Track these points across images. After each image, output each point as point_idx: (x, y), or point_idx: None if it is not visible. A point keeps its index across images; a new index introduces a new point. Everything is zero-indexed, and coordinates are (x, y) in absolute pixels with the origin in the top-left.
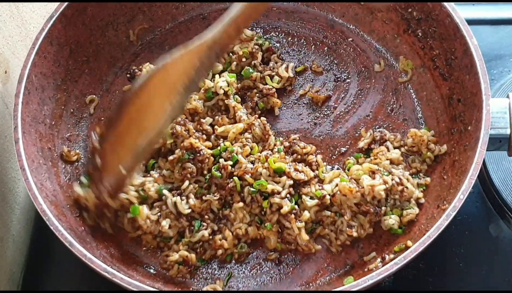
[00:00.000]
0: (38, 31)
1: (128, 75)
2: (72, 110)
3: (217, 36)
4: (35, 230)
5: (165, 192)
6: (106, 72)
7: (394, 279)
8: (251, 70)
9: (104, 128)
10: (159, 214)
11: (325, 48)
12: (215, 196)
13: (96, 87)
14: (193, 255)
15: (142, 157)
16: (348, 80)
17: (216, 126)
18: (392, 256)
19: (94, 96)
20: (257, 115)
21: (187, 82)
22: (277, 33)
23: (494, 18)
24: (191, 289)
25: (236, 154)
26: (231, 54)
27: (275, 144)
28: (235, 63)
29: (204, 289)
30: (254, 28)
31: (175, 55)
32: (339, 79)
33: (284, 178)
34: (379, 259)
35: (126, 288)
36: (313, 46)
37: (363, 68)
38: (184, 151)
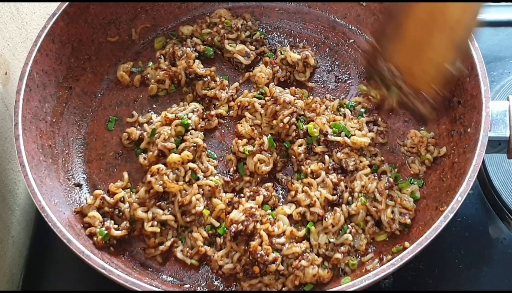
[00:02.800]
0: (40, 29)
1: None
2: (73, 107)
3: None
4: (35, 231)
5: None
6: (107, 71)
7: (393, 280)
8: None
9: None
10: None
11: (327, 49)
12: None
13: (98, 85)
14: None
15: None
16: (349, 81)
17: None
18: (389, 257)
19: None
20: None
21: None
22: (279, 34)
23: (494, 20)
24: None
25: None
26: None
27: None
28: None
29: None
30: (257, 28)
31: None
32: (340, 80)
33: None
34: (376, 260)
35: (123, 286)
36: (314, 47)
37: (364, 70)
38: None
